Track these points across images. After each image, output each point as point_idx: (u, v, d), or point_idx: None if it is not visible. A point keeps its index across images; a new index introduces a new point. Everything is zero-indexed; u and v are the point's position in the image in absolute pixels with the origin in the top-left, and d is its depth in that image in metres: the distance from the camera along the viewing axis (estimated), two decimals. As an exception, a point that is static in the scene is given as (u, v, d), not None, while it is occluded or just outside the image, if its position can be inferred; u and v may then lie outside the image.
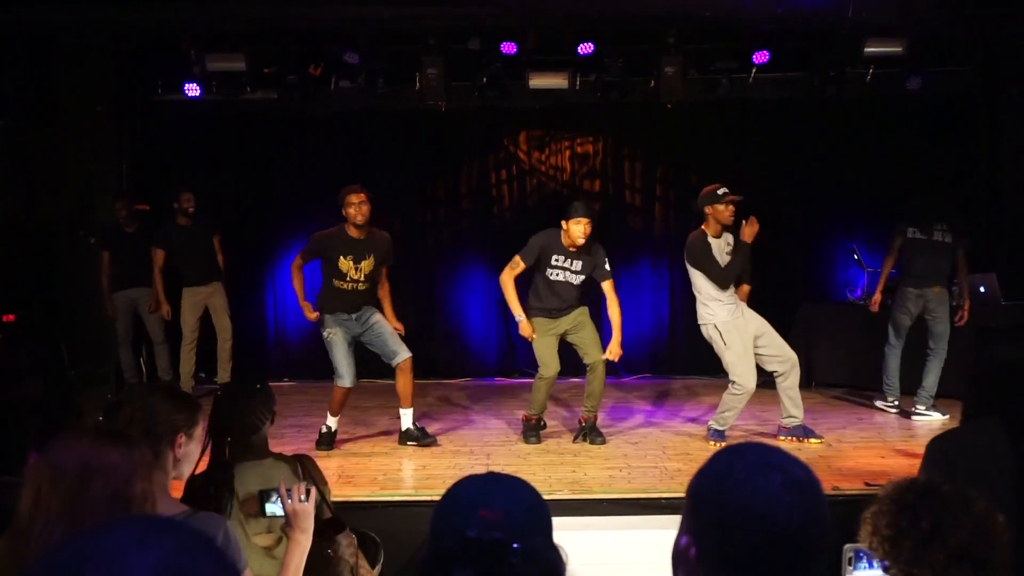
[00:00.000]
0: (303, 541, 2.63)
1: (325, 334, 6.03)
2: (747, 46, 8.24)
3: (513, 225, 9.20)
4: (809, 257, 8.97)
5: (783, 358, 5.92)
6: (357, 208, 5.93)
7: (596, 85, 8.55)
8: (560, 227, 6.01)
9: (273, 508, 2.73)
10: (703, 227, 5.97)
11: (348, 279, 6.01)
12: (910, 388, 6.95)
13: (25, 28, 7.27)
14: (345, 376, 6.00)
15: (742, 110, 8.81)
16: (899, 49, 7.86)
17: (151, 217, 8.19)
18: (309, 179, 9.04)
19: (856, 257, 8.29)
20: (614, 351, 6.06)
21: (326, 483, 3.24)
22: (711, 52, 8.55)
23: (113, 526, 0.90)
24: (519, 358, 8.99)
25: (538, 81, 8.37)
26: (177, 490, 2.74)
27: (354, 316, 6.09)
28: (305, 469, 3.13)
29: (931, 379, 6.79)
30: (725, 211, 5.88)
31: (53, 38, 7.94)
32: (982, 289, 7.46)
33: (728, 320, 5.88)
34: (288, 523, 2.65)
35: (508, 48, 8.17)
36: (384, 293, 6.25)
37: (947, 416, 6.59)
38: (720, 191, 5.89)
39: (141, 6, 7.01)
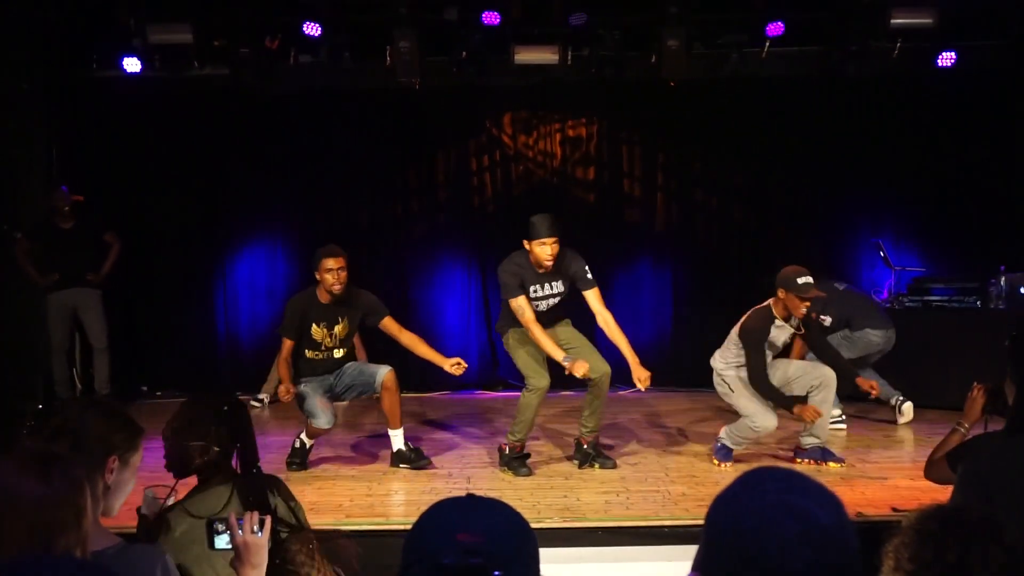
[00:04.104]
0: (255, 578, 2.61)
1: (298, 389, 5.90)
2: (759, 17, 8.27)
3: (496, 218, 9.21)
4: (829, 253, 8.98)
5: (815, 375, 5.94)
6: (335, 276, 5.82)
7: (590, 60, 8.57)
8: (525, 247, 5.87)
9: (222, 541, 2.70)
10: (770, 303, 5.86)
11: (322, 347, 5.99)
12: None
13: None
14: (321, 418, 5.84)
15: (753, 89, 8.84)
16: (929, 21, 7.89)
17: (88, 209, 8.14)
18: (265, 166, 9.03)
19: (882, 254, 8.33)
20: (643, 378, 5.81)
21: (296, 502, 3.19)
22: (719, 24, 8.59)
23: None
24: (503, 368, 8.99)
25: (524, 56, 8.36)
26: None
27: (331, 376, 6.08)
28: (277, 489, 3.09)
29: None
30: (800, 305, 5.72)
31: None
32: (1022, 290, 7.51)
33: (735, 376, 5.97)
34: (238, 558, 2.63)
35: (490, 18, 8.14)
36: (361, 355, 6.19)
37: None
38: (801, 280, 5.66)
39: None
